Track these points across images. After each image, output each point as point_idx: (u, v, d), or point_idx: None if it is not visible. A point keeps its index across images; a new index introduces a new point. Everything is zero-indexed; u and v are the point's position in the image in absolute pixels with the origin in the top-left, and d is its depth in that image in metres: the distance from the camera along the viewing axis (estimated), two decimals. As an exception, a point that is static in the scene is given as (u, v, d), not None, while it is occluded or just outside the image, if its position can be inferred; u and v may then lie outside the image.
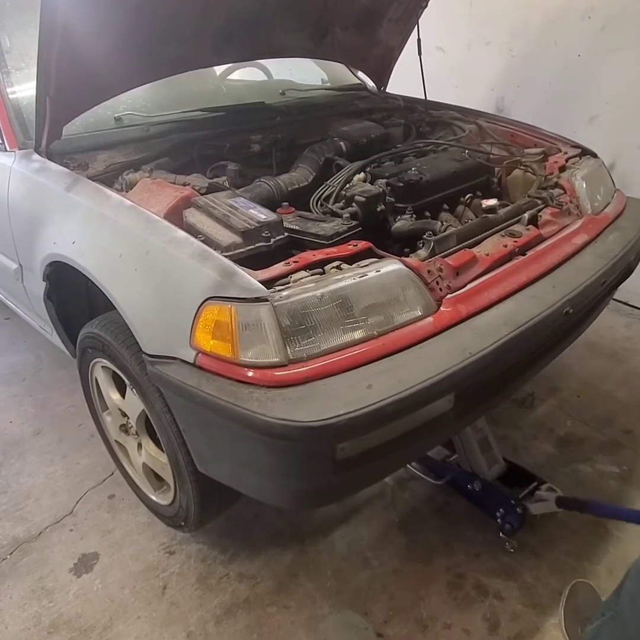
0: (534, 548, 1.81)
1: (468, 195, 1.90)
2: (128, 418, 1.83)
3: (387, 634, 1.60)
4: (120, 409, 1.85)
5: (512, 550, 1.80)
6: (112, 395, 1.84)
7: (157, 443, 1.72)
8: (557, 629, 1.59)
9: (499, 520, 1.79)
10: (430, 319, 1.38)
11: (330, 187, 1.77)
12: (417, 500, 2.00)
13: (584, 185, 1.92)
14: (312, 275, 1.32)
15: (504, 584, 1.72)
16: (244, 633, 1.62)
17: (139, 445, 1.84)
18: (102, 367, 1.82)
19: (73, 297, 1.92)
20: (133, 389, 1.67)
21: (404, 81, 2.64)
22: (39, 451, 2.28)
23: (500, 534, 1.80)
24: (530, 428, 2.30)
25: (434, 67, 2.54)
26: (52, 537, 1.92)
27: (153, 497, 1.88)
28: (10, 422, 2.45)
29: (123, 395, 1.80)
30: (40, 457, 2.25)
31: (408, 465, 2.04)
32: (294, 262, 1.34)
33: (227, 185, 1.71)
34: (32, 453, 2.28)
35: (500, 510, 1.79)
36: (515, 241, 1.61)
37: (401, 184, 1.74)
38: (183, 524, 1.75)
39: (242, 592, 1.72)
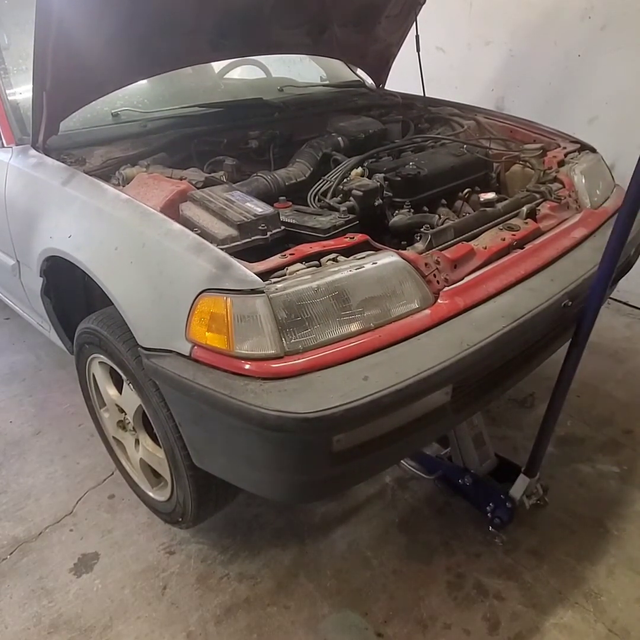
0: (534, 548, 1.80)
1: (466, 190, 1.89)
2: (125, 414, 1.83)
3: (387, 634, 1.59)
4: (117, 405, 1.85)
5: (501, 544, 1.81)
6: (109, 391, 1.84)
7: (154, 438, 1.72)
8: (557, 629, 1.58)
9: (488, 514, 1.81)
10: (427, 311, 1.37)
11: (328, 181, 1.76)
12: (417, 500, 1.98)
13: (583, 180, 1.91)
14: (308, 267, 1.31)
15: (504, 584, 1.70)
16: (244, 633, 1.61)
17: (136, 441, 1.84)
18: (100, 363, 1.82)
19: (70, 293, 1.92)
20: (130, 384, 1.66)
21: (403, 80, 2.64)
22: (39, 451, 2.28)
23: (490, 528, 1.81)
24: (530, 428, 2.27)
25: (434, 67, 2.55)
26: (52, 537, 1.91)
27: (150, 494, 1.88)
28: (10, 422, 2.44)
29: (120, 391, 1.79)
30: (40, 457, 2.25)
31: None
32: (290, 254, 1.33)
33: (224, 180, 1.71)
34: (32, 453, 2.27)
35: (490, 504, 1.80)
36: (513, 234, 1.61)
37: (399, 179, 1.73)
38: (180, 519, 1.75)
39: (242, 592, 1.71)
